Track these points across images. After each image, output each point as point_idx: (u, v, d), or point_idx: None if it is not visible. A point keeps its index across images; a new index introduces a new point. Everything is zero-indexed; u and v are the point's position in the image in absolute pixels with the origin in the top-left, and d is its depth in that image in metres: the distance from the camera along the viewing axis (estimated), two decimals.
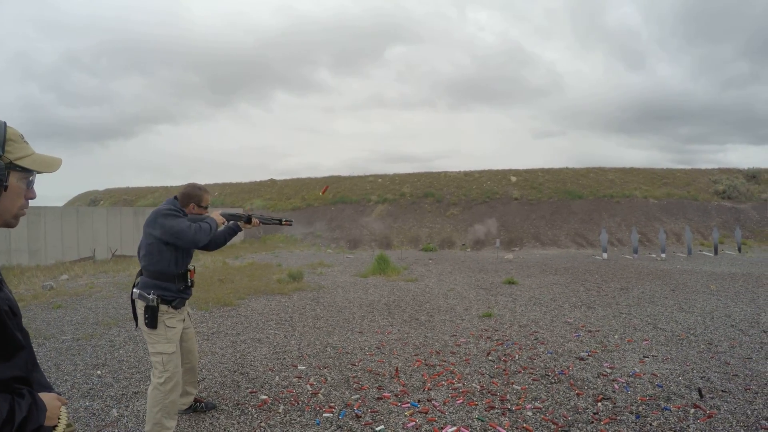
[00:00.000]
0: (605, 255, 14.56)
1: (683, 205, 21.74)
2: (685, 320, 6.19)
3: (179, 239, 2.91)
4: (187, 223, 2.94)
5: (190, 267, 3.17)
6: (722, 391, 3.73)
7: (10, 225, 1.34)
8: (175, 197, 3.16)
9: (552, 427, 3.18)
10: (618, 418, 3.30)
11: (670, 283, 9.34)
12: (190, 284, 3.16)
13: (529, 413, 3.40)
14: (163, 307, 3.00)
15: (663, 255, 14.32)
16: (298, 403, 3.66)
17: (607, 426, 3.18)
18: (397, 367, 4.44)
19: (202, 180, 33.24)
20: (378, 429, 3.16)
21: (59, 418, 1.32)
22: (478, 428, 3.19)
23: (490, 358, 4.75)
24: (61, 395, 1.37)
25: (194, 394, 3.51)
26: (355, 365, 4.57)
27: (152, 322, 2.96)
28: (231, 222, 3.34)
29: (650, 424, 3.18)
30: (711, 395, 3.65)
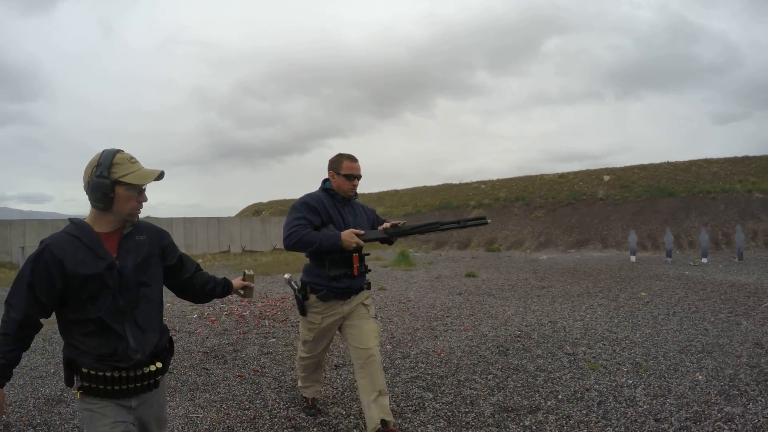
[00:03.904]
0: (633, 258, 13.00)
1: None
2: (496, 315, 5.96)
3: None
4: (291, 218, 2.54)
5: (355, 253, 2.55)
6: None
7: (127, 221, 1.62)
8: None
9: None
10: None
11: (619, 287, 8.15)
12: (352, 273, 2.57)
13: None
14: (312, 297, 2.62)
15: (704, 260, 12.01)
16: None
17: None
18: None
19: (369, 188, 37.10)
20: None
21: None
22: None
23: None
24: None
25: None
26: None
27: (301, 310, 2.67)
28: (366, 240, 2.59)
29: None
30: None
